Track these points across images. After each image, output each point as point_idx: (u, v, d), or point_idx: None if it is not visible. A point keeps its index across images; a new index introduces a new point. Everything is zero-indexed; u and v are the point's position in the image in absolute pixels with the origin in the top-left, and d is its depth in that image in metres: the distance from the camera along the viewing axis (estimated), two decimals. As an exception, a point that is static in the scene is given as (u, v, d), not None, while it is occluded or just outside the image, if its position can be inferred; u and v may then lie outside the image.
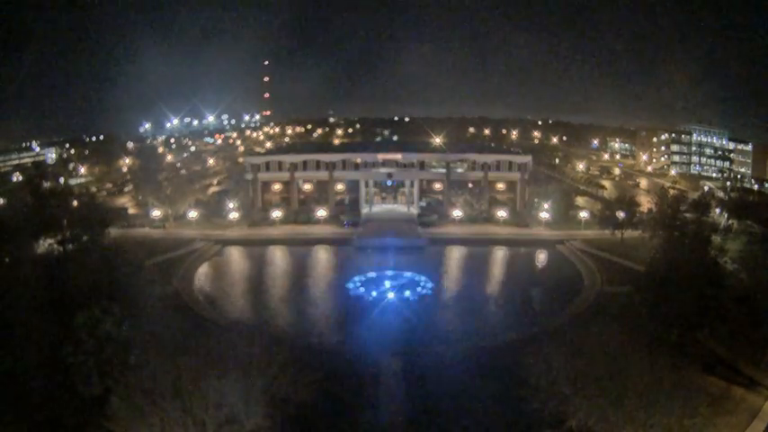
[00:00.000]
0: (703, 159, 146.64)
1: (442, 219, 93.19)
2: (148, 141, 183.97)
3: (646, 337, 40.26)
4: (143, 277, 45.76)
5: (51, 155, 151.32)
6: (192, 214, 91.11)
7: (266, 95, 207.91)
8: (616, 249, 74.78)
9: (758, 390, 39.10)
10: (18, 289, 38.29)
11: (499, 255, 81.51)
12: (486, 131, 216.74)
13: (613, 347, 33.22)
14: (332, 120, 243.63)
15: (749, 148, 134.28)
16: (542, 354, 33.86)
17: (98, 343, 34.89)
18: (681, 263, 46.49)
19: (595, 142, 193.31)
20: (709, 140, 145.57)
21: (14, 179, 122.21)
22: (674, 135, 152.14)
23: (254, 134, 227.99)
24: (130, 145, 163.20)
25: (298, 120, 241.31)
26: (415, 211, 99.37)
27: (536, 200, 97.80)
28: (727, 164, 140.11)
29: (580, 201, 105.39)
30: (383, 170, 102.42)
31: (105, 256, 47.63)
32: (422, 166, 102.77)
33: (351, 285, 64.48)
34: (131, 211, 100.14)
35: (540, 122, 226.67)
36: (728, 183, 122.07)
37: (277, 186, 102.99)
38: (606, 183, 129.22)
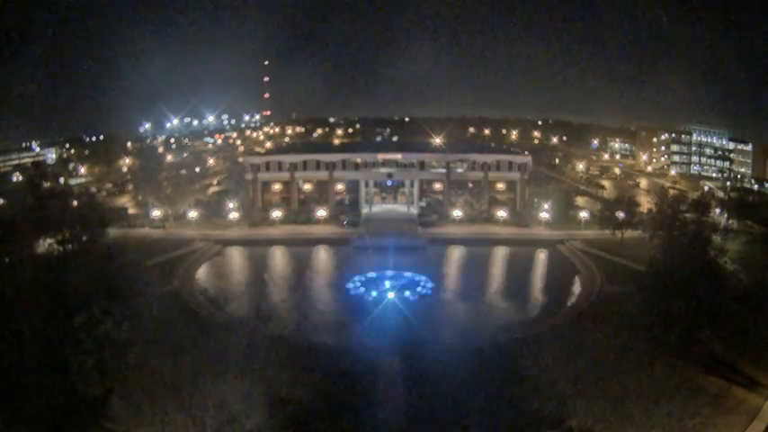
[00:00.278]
0: (703, 159, 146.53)
1: (441, 219, 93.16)
2: (148, 141, 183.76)
3: (646, 337, 40.38)
4: (143, 277, 45.79)
5: (51, 155, 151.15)
6: (192, 214, 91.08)
7: (266, 95, 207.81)
8: (616, 249, 74.78)
9: (758, 390, 39.06)
10: (18, 289, 38.27)
11: (499, 255, 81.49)
12: (486, 131, 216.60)
13: (613, 347, 33.25)
14: (332, 120, 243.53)
15: (749, 148, 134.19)
16: (542, 353, 33.87)
17: (98, 343, 34.91)
18: (681, 263, 46.50)
19: (595, 142, 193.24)
20: (709, 140, 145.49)
21: (14, 179, 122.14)
22: (674, 135, 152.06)
23: (254, 134, 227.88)
24: (130, 145, 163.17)
25: (298, 120, 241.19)
26: (415, 211, 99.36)
27: (536, 200, 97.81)
28: (727, 164, 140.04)
29: (580, 201, 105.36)
30: (383, 170, 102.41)
31: (105, 256, 47.65)
32: (422, 166, 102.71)
33: (351, 285, 64.49)
34: (131, 211, 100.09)
35: (540, 122, 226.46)
36: (728, 183, 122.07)
37: (277, 186, 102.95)
38: (606, 183, 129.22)
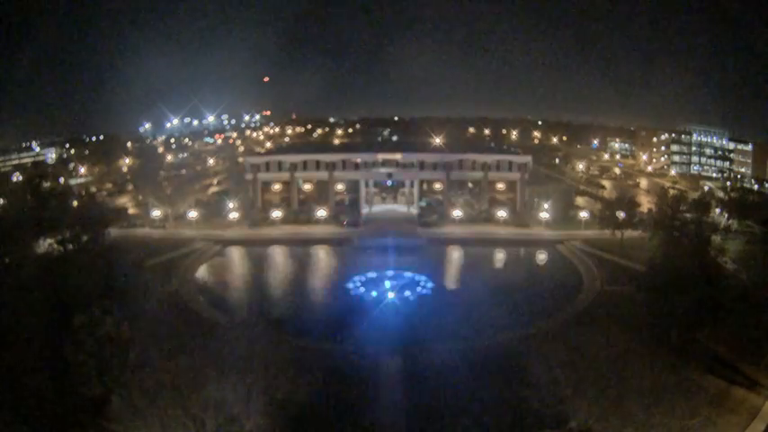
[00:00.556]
0: (703, 159, 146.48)
1: (441, 219, 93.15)
2: (148, 141, 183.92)
3: (646, 337, 40.39)
4: (143, 277, 45.76)
5: (51, 155, 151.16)
6: (192, 214, 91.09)
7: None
8: (616, 249, 74.77)
9: (758, 390, 39.07)
10: (18, 289, 38.28)
11: (499, 255, 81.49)
12: (486, 131, 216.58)
13: (614, 347, 33.25)
14: (332, 120, 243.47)
15: (749, 148, 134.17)
16: (542, 353, 33.87)
17: (98, 343, 34.91)
18: (681, 263, 46.47)
19: (595, 142, 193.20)
20: (709, 140, 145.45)
21: (14, 179, 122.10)
22: (674, 135, 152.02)
23: (254, 134, 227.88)
24: (130, 145, 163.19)
25: (298, 120, 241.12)
26: (415, 211, 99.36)
27: (536, 200, 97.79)
28: (727, 164, 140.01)
29: (580, 201, 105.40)
30: (383, 170, 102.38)
31: (105, 256, 47.63)
32: (422, 166, 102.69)
33: (351, 285, 64.50)
34: (131, 211, 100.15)
35: (540, 122, 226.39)
36: (728, 183, 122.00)
37: (277, 186, 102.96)
38: (606, 183, 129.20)
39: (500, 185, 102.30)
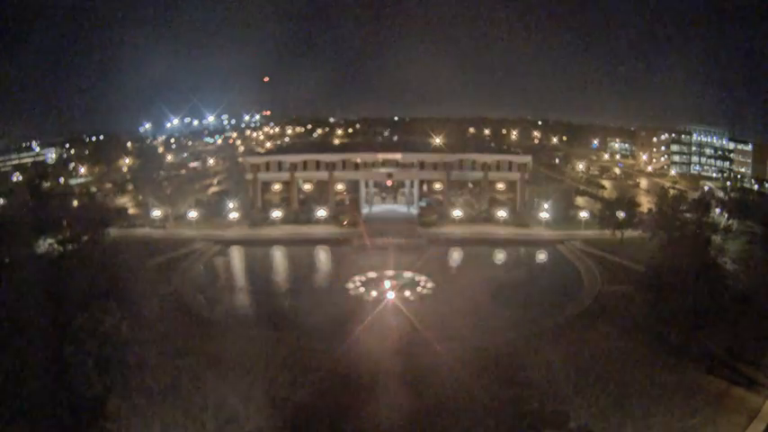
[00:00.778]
0: (703, 159, 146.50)
1: (441, 219, 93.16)
2: (148, 141, 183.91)
3: (646, 337, 40.42)
4: (143, 277, 45.74)
5: (51, 155, 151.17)
6: (192, 214, 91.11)
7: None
8: (616, 249, 74.78)
9: (758, 390, 39.07)
10: (18, 289, 38.26)
11: (499, 255, 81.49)
12: (487, 131, 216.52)
13: (614, 347, 33.24)
14: (332, 120, 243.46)
15: (749, 148, 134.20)
16: (542, 353, 33.88)
17: (98, 343, 34.88)
18: (681, 263, 46.45)
19: (595, 142, 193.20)
20: (709, 140, 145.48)
21: (14, 179, 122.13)
22: (674, 135, 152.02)
23: (254, 134, 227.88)
24: (130, 145, 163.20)
25: (298, 120, 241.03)
26: (414, 211, 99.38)
27: (536, 200, 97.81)
28: (727, 164, 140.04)
29: (580, 201, 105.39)
30: (383, 170, 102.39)
31: (105, 256, 47.60)
32: (422, 166, 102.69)
33: (350, 285, 64.48)
34: (131, 211, 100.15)
35: (540, 122, 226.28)
36: (728, 183, 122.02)
37: (277, 186, 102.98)
38: (606, 183, 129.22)
39: (500, 185, 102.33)
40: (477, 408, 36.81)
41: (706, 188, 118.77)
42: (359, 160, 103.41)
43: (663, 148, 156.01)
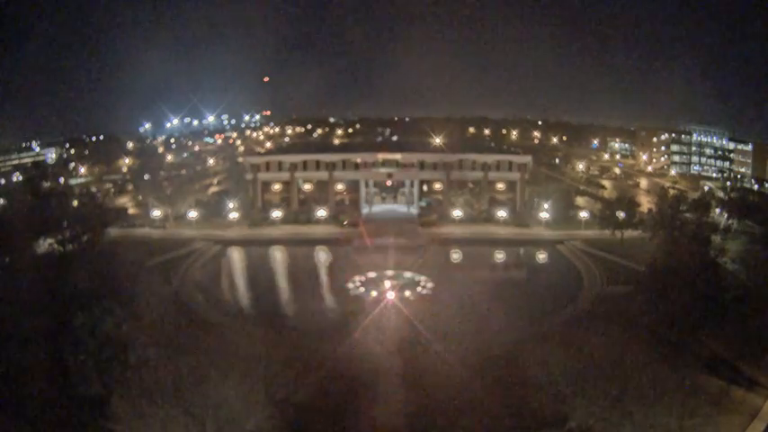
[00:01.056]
0: (703, 159, 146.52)
1: (441, 219, 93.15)
2: (148, 141, 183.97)
3: (646, 337, 40.42)
4: (143, 277, 45.77)
5: (51, 155, 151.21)
6: (192, 214, 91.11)
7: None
8: (616, 249, 74.74)
9: (758, 390, 39.07)
10: (18, 289, 38.30)
11: (499, 255, 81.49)
12: (487, 131, 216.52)
13: (614, 347, 33.24)
14: (332, 120, 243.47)
15: (749, 148, 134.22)
16: (542, 353, 33.88)
17: (98, 343, 34.92)
18: (681, 263, 46.49)
19: (595, 142, 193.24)
20: (709, 140, 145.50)
21: (14, 179, 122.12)
22: (674, 135, 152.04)
23: (254, 134, 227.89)
24: (130, 145, 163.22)
25: (298, 120, 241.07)
26: (414, 211, 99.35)
27: (536, 200, 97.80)
28: (727, 164, 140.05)
29: (580, 201, 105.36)
30: (383, 170, 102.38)
31: (105, 256, 47.67)
32: (422, 166, 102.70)
33: (350, 285, 64.48)
34: (131, 211, 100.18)
35: (540, 122, 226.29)
36: (728, 183, 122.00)
37: (277, 186, 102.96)
38: (606, 183, 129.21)
39: (500, 185, 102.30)
40: (476, 408, 36.81)
41: (706, 188, 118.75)
42: (359, 160, 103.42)
43: (663, 148, 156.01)
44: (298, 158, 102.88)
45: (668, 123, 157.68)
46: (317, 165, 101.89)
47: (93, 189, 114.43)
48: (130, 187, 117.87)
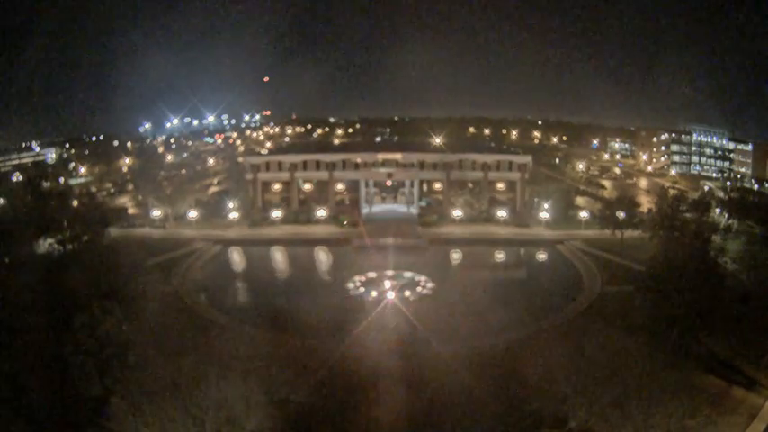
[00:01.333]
0: (703, 159, 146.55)
1: (441, 219, 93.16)
2: (148, 141, 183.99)
3: (646, 337, 40.38)
4: (143, 277, 45.77)
5: (51, 155, 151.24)
6: (192, 214, 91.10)
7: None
8: (616, 249, 74.76)
9: (758, 390, 39.10)
10: (18, 289, 38.30)
11: (499, 255, 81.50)
12: (487, 131, 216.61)
13: (613, 347, 33.22)
14: (332, 120, 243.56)
15: (749, 148, 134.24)
16: (542, 353, 33.86)
17: (98, 343, 34.95)
18: (681, 263, 46.46)
19: (595, 142, 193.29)
20: (709, 140, 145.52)
21: (14, 179, 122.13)
22: (674, 135, 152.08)
23: (254, 134, 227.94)
24: (130, 145, 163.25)
25: (298, 120, 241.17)
26: (415, 211, 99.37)
27: (536, 200, 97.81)
28: (727, 164, 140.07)
29: (580, 201, 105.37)
30: (383, 170, 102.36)
31: (105, 256, 47.67)
32: (422, 166, 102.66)
33: (351, 285, 64.48)
34: (131, 211, 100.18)
35: (540, 122, 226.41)
36: (728, 183, 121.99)
37: (277, 186, 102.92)
38: (606, 183, 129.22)
39: (500, 185, 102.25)
40: (477, 408, 36.81)
41: (706, 188, 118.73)
42: (359, 160, 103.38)
43: (663, 148, 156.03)
44: (298, 158, 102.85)
45: (668, 123, 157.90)
46: (317, 165, 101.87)
47: (93, 189, 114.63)
48: (130, 187, 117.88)
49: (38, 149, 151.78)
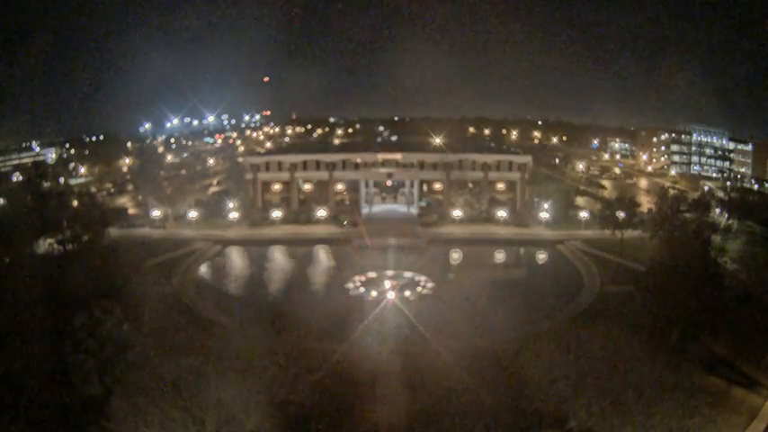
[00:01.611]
0: (703, 159, 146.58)
1: (441, 219, 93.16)
2: (148, 141, 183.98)
3: (646, 337, 40.35)
4: (143, 277, 45.76)
5: (51, 155, 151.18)
6: (192, 214, 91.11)
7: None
8: (616, 249, 74.78)
9: (758, 390, 39.10)
10: (18, 289, 38.29)
11: (499, 255, 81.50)
12: (487, 131, 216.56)
13: (614, 347, 33.18)
14: (332, 120, 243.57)
15: (749, 148, 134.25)
16: (542, 353, 33.84)
17: (98, 343, 34.97)
18: (681, 263, 46.47)
19: (595, 142, 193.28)
20: (709, 140, 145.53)
21: (14, 179, 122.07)
22: (674, 135, 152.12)
23: (254, 134, 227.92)
24: (130, 145, 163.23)
25: (298, 120, 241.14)
26: (415, 211, 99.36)
27: (536, 200, 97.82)
28: (727, 164, 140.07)
29: (580, 201, 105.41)
30: (383, 170, 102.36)
31: (105, 256, 47.67)
32: (422, 166, 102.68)
33: (350, 285, 64.48)
34: (131, 211, 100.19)
35: (540, 122, 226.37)
36: (728, 183, 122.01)
37: (277, 186, 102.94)
38: (606, 183, 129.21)
39: (500, 185, 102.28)
40: (477, 408, 36.80)
41: (706, 188, 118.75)
42: (359, 160, 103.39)
43: (663, 148, 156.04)
44: (298, 158, 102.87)
45: (668, 123, 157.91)
46: (317, 165, 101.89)
47: (93, 189, 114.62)
48: (130, 187, 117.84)
49: (38, 149, 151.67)
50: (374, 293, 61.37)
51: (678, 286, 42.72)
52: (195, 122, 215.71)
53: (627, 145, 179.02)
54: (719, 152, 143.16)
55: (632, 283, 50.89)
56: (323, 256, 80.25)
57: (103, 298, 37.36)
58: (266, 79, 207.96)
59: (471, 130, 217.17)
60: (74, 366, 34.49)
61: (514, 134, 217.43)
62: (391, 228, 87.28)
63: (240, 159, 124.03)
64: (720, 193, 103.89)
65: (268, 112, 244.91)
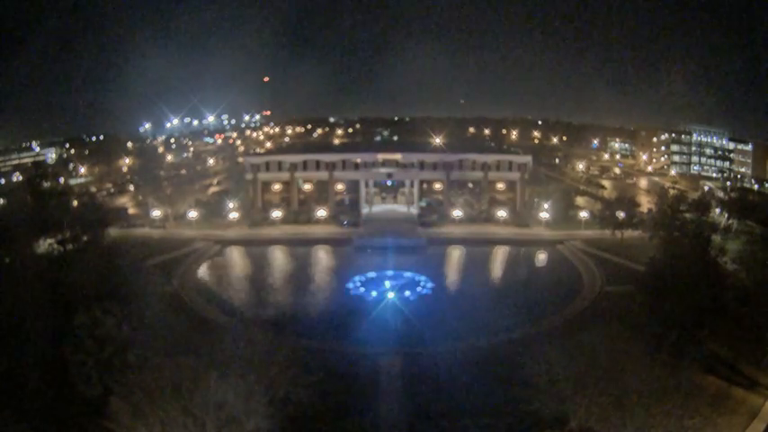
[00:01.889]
0: (703, 159, 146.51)
1: (441, 219, 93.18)
2: (148, 141, 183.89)
3: (646, 337, 40.35)
4: (143, 277, 45.72)
5: (51, 155, 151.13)
6: (192, 214, 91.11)
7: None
8: (616, 249, 74.78)
9: (758, 390, 39.10)
10: (18, 289, 38.27)
11: (499, 255, 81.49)
12: (486, 131, 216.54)
13: (613, 347, 33.16)
14: (332, 120, 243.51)
15: (749, 148, 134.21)
16: (542, 353, 33.84)
17: (98, 343, 34.93)
18: (681, 263, 46.47)
19: (595, 142, 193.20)
20: (709, 140, 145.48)
21: (14, 179, 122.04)
22: (674, 135, 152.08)
23: (254, 134, 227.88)
24: (130, 145, 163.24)
25: (298, 120, 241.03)
26: (415, 211, 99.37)
27: (536, 200, 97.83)
28: (727, 164, 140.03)
29: (580, 201, 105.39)
30: (383, 170, 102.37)
31: (105, 256, 47.65)
32: (422, 166, 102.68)
33: (351, 285, 64.50)
34: (131, 211, 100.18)
35: (540, 122, 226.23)
36: (728, 183, 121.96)
37: (277, 186, 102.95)
38: (606, 183, 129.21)
39: (500, 185, 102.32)
40: (476, 408, 36.81)
41: (706, 188, 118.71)
42: (359, 160, 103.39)
43: (663, 147, 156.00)
44: (298, 158, 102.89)
45: (668, 123, 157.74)
46: (317, 165, 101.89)
47: (93, 189, 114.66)
48: (130, 187, 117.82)
49: (38, 149, 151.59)
50: (374, 293, 61.37)
51: (678, 286, 42.72)
52: (195, 122, 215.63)
53: (627, 145, 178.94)
54: (719, 152, 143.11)
55: (632, 283, 50.90)
56: (323, 256, 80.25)
57: (103, 298, 37.33)
58: (266, 79, 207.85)
59: (471, 130, 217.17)
60: (74, 366, 34.45)
61: (514, 134, 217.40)
62: (391, 228, 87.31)
63: (240, 159, 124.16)
64: (720, 193, 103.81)
65: (268, 112, 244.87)
